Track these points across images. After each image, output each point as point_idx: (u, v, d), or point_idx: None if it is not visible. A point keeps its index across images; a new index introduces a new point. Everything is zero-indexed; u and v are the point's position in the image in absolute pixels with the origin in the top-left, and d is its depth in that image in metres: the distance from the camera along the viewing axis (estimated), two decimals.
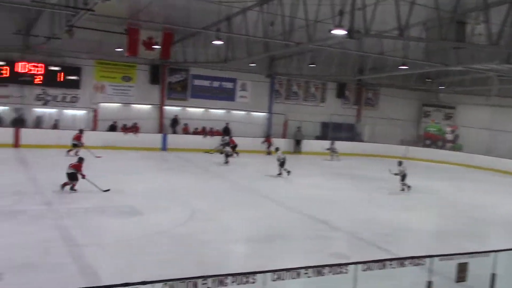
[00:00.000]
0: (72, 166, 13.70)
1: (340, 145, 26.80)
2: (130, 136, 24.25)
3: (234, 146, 23.85)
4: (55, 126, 23.66)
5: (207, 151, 24.49)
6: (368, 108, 32.88)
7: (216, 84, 28.28)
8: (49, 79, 23.47)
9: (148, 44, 23.83)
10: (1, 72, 22.57)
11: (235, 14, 18.87)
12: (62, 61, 23.96)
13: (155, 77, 26.40)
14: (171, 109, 27.12)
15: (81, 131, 20.82)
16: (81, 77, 24.47)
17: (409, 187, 17.38)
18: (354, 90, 32.28)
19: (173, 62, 26.00)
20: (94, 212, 11.77)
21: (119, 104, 25.82)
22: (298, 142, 28.15)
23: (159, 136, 25.30)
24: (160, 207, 12.66)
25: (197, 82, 27.82)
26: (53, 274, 7.75)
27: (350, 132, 31.42)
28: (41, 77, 23.37)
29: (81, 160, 14.14)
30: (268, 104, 29.86)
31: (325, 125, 30.77)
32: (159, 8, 18.18)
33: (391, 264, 6.40)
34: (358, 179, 19.68)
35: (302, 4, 14.75)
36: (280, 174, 18.99)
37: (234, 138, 24.68)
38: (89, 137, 21.21)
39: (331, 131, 30.18)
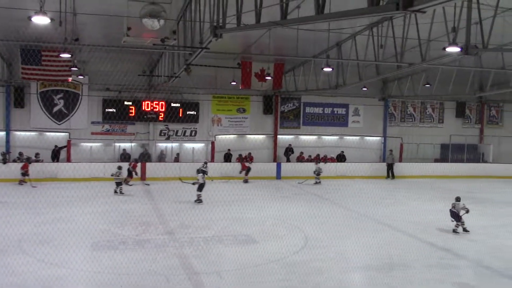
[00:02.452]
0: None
1: (462, 167, 25.41)
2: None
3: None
4: (176, 160, 25.07)
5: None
6: (492, 126, 30.81)
7: (328, 110, 28.31)
8: (171, 115, 25.08)
9: (261, 76, 24.55)
10: (130, 111, 24.65)
11: (344, 40, 18.86)
12: (182, 98, 25.50)
13: (268, 107, 27.09)
14: (284, 138, 27.52)
15: (28, 159, 21.66)
16: (199, 111, 25.84)
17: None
18: (475, 108, 30.58)
19: (285, 91, 26.52)
20: (212, 241, 12.17)
21: (235, 135, 26.79)
22: (390, 166, 26.77)
23: (273, 165, 25.66)
24: (274, 235, 12.79)
25: (309, 109, 28.06)
26: None
27: (472, 153, 29.55)
28: (163, 114, 25.07)
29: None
30: (383, 127, 29.16)
31: (445, 147, 29.27)
32: (270, 40, 18.76)
33: None
34: (483, 204, 18.32)
35: (414, 24, 14.36)
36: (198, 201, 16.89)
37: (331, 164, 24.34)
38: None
39: (451, 153, 28.66)
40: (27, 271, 9.31)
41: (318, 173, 23.40)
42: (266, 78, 24.32)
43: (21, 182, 20.84)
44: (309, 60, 22.19)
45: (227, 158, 25.83)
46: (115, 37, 16.61)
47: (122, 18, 14.63)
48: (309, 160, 26.68)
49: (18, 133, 23.79)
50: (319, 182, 23.14)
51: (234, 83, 24.68)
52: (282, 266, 10.16)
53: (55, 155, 23.51)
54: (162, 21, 14.03)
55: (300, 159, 26.86)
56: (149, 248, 11.34)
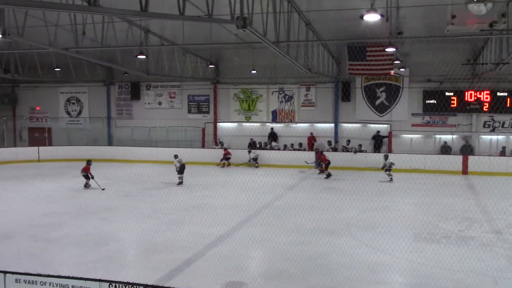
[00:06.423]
0: (83, 169, 17.70)
1: None
2: None
3: None
4: (502, 153, 23.10)
5: None
6: None
7: None
8: (497, 106, 23.24)
9: None
10: (452, 102, 23.98)
11: None
12: (510, 86, 23.31)
13: None
14: None
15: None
16: None
17: None
18: None
19: None
20: None
21: None
22: None
23: None
24: None
25: None
26: None
27: None
28: (488, 104, 23.46)
29: (89, 162, 17.70)
30: None
31: None
32: None
33: None
34: None
35: None
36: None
37: None
38: None
39: None
40: (354, 254, 10.08)
41: None
42: None
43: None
44: None
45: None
46: (437, 26, 16.35)
47: (445, 7, 14.29)
48: None
49: (344, 125, 25.96)
50: None
51: None
52: None
53: (378, 144, 24.85)
54: (489, 5, 13.09)
55: None
56: (474, 245, 10.83)
